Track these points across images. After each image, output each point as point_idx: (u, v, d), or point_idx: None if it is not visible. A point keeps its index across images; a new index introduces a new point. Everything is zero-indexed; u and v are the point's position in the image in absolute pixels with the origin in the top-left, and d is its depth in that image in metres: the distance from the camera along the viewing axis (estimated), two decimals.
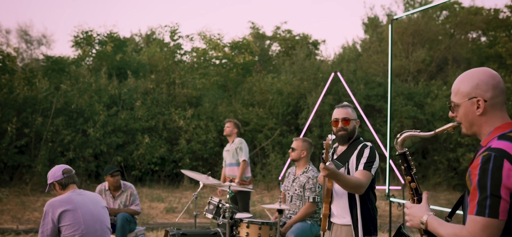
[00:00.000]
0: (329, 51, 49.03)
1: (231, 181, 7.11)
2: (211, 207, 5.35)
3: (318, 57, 24.46)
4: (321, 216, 3.75)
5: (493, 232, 1.94)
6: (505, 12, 21.92)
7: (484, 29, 23.03)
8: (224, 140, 17.00)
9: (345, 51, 23.72)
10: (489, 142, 2.08)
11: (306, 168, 5.46)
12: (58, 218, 3.95)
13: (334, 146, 3.76)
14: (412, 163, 2.39)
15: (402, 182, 9.04)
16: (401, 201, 7.30)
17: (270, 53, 25.82)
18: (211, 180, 5.63)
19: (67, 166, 4.21)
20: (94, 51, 18.88)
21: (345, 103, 3.80)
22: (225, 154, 7.59)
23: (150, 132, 16.07)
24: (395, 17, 6.73)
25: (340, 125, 3.68)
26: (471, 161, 2.09)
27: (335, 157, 3.70)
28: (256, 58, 22.34)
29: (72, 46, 18.44)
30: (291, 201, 5.46)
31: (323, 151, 3.33)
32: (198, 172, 6.08)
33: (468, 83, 2.15)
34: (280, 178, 9.75)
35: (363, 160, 3.52)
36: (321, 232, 3.74)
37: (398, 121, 17.22)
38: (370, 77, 19.32)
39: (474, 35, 24.49)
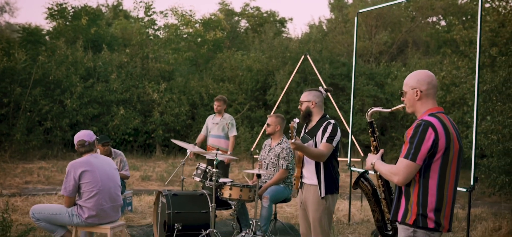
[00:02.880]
0: (296, 29, 49.87)
1: (217, 150, 7.92)
2: (199, 171, 6.21)
3: (285, 35, 25.32)
4: (294, 178, 4.70)
5: (411, 170, 3.04)
6: None
7: (443, 14, 24.29)
8: (196, 113, 17.84)
9: (312, 31, 24.59)
10: (422, 117, 3.15)
11: (280, 140, 6.36)
12: (79, 177, 4.74)
13: (298, 121, 4.68)
14: (376, 128, 3.50)
15: (362, 154, 10.08)
16: (361, 170, 8.31)
17: (237, 29, 26.50)
18: (197, 149, 6.48)
19: (83, 137, 4.92)
20: (67, 23, 19.22)
21: (311, 88, 4.74)
22: (210, 125, 8.28)
23: (124, 104, 16.70)
24: (360, 10, 7.59)
25: (299, 106, 4.70)
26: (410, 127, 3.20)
27: (306, 130, 4.64)
28: (224, 34, 23.05)
29: (47, 18, 18.75)
30: (267, 168, 6.36)
31: (289, 131, 4.25)
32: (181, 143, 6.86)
33: (413, 79, 3.25)
34: (252, 149, 10.62)
35: (327, 134, 4.45)
36: (295, 190, 4.69)
37: (359, 99, 18.27)
38: (335, 57, 20.27)
39: (434, 19, 25.79)
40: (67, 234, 5.00)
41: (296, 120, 4.18)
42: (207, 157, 7.32)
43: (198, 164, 6.29)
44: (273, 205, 6.41)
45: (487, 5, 16.14)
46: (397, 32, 23.15)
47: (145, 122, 17.01)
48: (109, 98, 16.34)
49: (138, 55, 17.79)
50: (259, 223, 5.84)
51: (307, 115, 4.59)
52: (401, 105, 3.38)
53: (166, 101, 16.93)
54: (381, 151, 3.38)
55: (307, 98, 4.61)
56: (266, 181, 6.35)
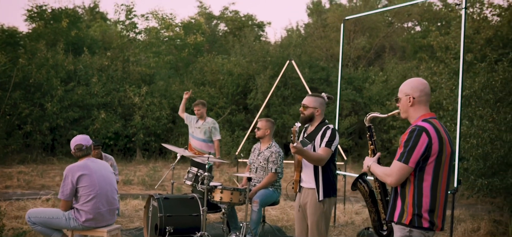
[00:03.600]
0: (276, 34, 50.10)
1: (209, 153, 8.01)
2: (190, 175, 6.30)
3: (263, 39, 25.53)
4: (293, 182, 4.79)
5: (404, 173, 3.22)
6: (438, 6, 23.77)
7: (419, 20, 24.80)
8: (177, 117, 17.86)
9: (292, 36, 24.83)
10: (416, 123, 3.32)
11: (269, 144, 6.48)
12: (76, 180, 4.79)
13: (306, 126, 4.78)
14: (374, 133, 3.68)
15: (345, 158, 10.29)
16: (344, 173, 8.51)
17: (215, 33, 26.64)
18: (188, 153, 6.58)
19: (80, 142, 4.97)
20: (47, 25, 19.06)
21: (316, 94, 4.80)
22: (193, 127, 8.35)
23: (105, 108, 16.64)
24: (346, 17, 7.78)
25: (301, 109, 4.75)
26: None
27: (305, 135, 4.74)
28: (204, 38, 23.13)
29: (26, 20, 18.58)
30: (256, 172, 6.48)
31: (291, 135, 4.35)
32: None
33: (407, 86, 3.44)
34: (237, 153, 10.74)
35: (326, 139, 4.53)
36: (294, 194, 4.79)
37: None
38: (314, 62, 20.52)
39: (410, 24, 26.31)
40: None
41: (298, 124, 4.26)
42: (194, 159, 7.38)
43: (189, 168, 6.38)
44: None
45: (463, 12, 16.57)
46: (375, 37, 23.52)
47: (126, 126, 16.97)
48: (90, 102, 16.27)
49: (119, 58, 17.74)
50: (249, 226, 5.95)
51: (309, 120, 4.68)
52: (397, 111, 3.56)
53: (147, 105, 16.93)
54: (378, 154, 3.55)
55: (313, 104, 4.67)
56: (255, 184, 6.47)
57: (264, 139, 6.51)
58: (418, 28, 25.80)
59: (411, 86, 3.41)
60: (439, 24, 23.08)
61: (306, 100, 4.71)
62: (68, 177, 4.79)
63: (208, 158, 6.03)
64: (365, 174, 3.68)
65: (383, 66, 21.55)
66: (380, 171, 3.39)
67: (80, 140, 4.96)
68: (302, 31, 26.93)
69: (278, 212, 8.72)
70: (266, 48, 19.75)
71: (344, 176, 8.79)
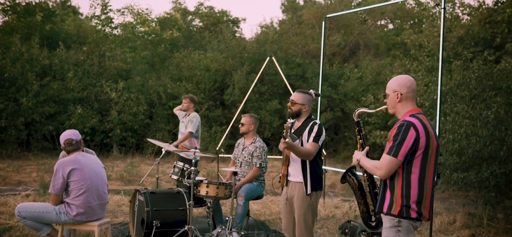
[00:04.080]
0: (253, 30, 50.23)
1: (196, 148, 8.10)
2: (177, 170, 6.38)
3: (238, 35, 25.62)
4: (280, 176, 4.92)
5: (393, 166, 3.37)
6: (411, 4, 24.20)
7: (392, 18, 25.21)
8: (154, 113, 17.84)
9: (269, 32, 24.95)
10: (404, 118, 3.48)
11: (254, 139, 6.61)
12: (67, 175, 4.82)
13: (293, 121, 4.91)
14: (363, 127, 3.82)
15: (324, 153, 10.49)
16: (324, 167, 8.70)
17: (190, 28, 26.61)
18: (173, 148, 6.66)
19: (70, 136, 5.00)
20: (21, 19, 18.76)
21: (304, 90, 4.94)
22: (180, 122, 8.52)
23: (82, 103, 16.50)
24: (328, 15, 7.94)
25: (289, 104, 4.87)
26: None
27: (293, 130, 4.87)
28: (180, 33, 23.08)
29: None
30: (240, 167, 6.60)
31: (284, 130, 4.48)
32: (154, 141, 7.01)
33: (394, 83, 3.60)
34: (217, 149, 10.84)
35: (313, 134, 4.68)
36: (281, 187, 4.93)
37: None
38: (290, 58, 20.69)
39: (383, 22, 26.71)
40: (53, 233, 5.07)
41: (291, 120, 4.42)
42: (180, 154, 7.47)
43: (175, 163, 6.46)
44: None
45: (435, 10, 17.00)
46: (349, 34, 23.80)
47: (103, 121, 16.86)
48: (65, 97, 16.11)
49: (95, 53, 17.58)
50: (235, 220, 6.06)
51: (296, 116, 4.81)
52: (384, 106, 3.72)
53: (124, 100, 16.83)
54: (367, 148, 3.70)
55: (301, 101, 4.78)
56: (239, 179, 6.58)
57: (248, 134, 6.63)
58: (391, 26, 26.22)
59: (398, 83, 3.56)
60: (411, 22, 23.52)
61: (295, 97, 4.83)
62: (59, 171, 4.82)
63: (195, 152, 6.11)
64: (353, 167, 3.83)
65: (357, 63, 21.85)
66: (370, 164, 3.53)
67: (69, 134, 4.99)
68: (277, 28, 27.08)
69: (260, 207, 8.85)
70: (243, 44, 19.83)
71: (326, 170, 8.98)
